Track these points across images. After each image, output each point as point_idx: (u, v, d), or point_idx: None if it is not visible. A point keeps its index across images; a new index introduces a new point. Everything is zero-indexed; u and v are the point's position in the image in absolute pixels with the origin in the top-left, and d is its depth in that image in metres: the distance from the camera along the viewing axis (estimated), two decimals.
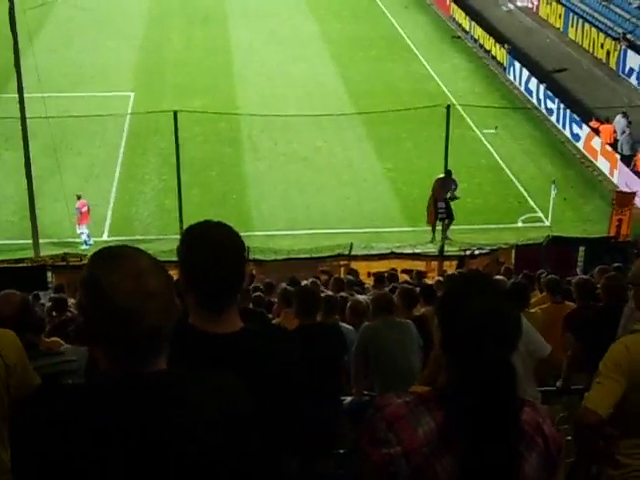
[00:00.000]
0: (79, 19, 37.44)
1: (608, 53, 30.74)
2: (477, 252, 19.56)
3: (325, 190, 23.48)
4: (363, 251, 19.56)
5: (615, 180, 23.71)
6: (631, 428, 3.99)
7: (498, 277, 10.11)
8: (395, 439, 2.24)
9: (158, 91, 29.94)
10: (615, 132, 25.44)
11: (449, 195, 21.24)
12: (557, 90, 28.83)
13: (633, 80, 29.18)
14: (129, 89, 30.30)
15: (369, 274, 16.61)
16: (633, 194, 21.14)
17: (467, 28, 37.02)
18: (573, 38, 33.72)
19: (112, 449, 1.94)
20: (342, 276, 15.55)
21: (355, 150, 25.98)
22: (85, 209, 20.70)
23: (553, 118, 27.95)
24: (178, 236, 2.80)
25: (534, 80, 29.66)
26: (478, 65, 34.03)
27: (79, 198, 20.80)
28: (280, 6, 40.54)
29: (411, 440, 2.23)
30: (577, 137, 26.28)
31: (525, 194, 23.68)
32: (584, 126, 25.93)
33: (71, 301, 11.59)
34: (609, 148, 24.55)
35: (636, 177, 22.77)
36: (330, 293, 9.57)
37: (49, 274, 17.82)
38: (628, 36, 30.52)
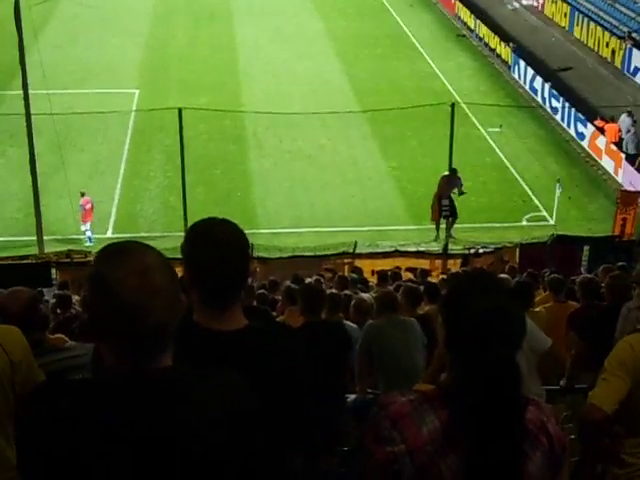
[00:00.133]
0: (84, 16, 37.42)
1: (613, 52, 30.64)
2: (481, 251, 19.57)
3: (330, 188, 23.47)
4: (367, 249, 19.58)
5: (620, 179, 23.67)
6: (636, 427, 4.00)
7: (502, 276, 10.12)
8: (399, 437, 2.24)
9: (163, 88, 29.93)
10: (620, 131, 25.40)
11: (456, 192, 21.22)
12: (562, 89, 28.78)
13: (638, 79, 29.08)
14: (134, 86, 30.28)
15: (373, 272, 16.61)
16: (638, 193, 21.12)
17: (472, 26, 36.95)
18: (578, 37, 33.63)
19: (118, 445, 1.94)
20: (346, 274, 15.54)
21: (360, 148, 25.96)
22: (89, 206, 20.70)
23: (558, 117, 27.91)
24: (182, 233, 2.81)
25: (539, 79, 29.62)
26: (483, 63, 33.98)
27: (83, 195, 20.81)
28: (285, 3, 40.53)
29: (415, 438, 2.23)
30: (582, 136, 26.24)
31: (530, 193, 23.65)
32: (589, 125, 25.89)
33: (75, 298, 11.59)
34: (614, 147, 24.50)
35: None
36: (334, 291, 9.57)
37: (53, 271, 17.85)
38: (633, 35, 30.44)
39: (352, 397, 6.85)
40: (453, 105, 21.99)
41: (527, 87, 30.63)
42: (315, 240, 19.99)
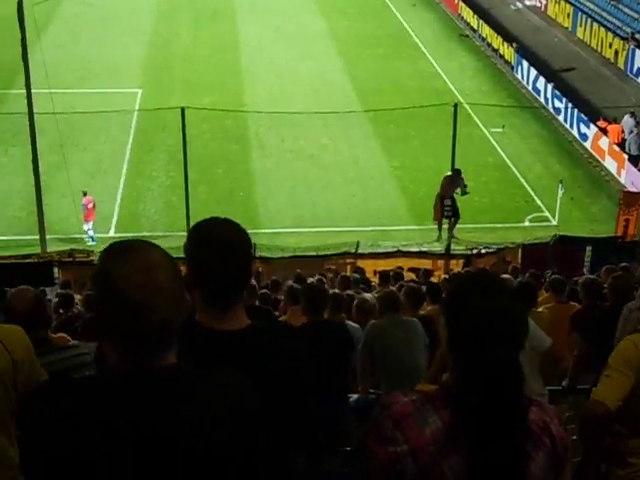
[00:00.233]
0: (87, 15, 37.47)
1: (616, 53, 30.62)
2: (484, 251, 19.57)
3: (331, 188, 23.47)
4: (370, 249, 19.58)
5: (622, 180, 23.64)
6: (639, 426, 3.99)
7: (505, 276, 10.11)
8: (402, 437, 2.24)
9: (166, 88, 29.94)
10: (623, 132, 25.36)
11: (460, 191, 21.21)
12: (565, 89, 28.76)
13: None
14: (137, 85, 30.30)
15: (375, 272, 16.61)
16: None
17: (475, 26, 36.94)
18: (581, 37, 33.60)
19: (122, 442, 1.95)
20: (348, 274, 15.54)
21: (362, 148, 25.96)
22: (91, 205, 20.70)
23: (561, 117, 27.89)
24: (185, 233, 2.81)
25: (542, 79, 29.60)
26: (486, 64, 33.97)
27: (85, 194, 20.79)
28: (288, 3, 40.54)
29: (418, 439, 2.23)
30: (585, 137, 26.22)
31: (532, 193, 23.63)
32: (592, 126, 25.86)
33: (77, 297, 11.59)
34: (617, 148, 24.48)
35: None
36: (336, 291, 9.57)
37: (56, 270, 17.86)
38: (637, 36, 30.39)
39: (354, 397, 6.85)
40: (456, 105, 22.00)
41: (530, 87, 30.61)
42: (317, 240, 19.99)
